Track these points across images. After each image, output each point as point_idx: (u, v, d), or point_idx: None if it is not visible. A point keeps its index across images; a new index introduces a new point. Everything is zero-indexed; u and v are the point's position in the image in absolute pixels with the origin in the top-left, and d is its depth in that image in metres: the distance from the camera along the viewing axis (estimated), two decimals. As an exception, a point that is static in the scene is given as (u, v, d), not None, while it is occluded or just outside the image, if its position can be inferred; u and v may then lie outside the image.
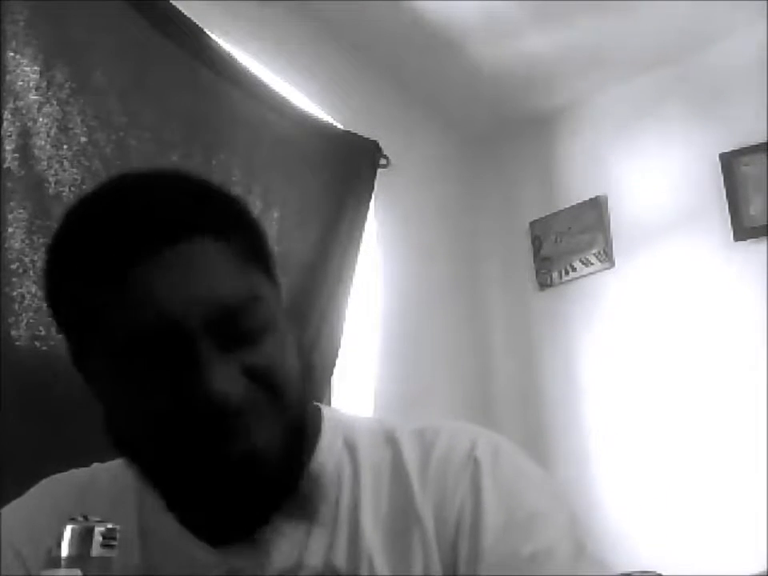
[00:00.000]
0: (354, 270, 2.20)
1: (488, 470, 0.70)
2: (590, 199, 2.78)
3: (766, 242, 2.43)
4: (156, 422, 0.62)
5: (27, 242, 1.45)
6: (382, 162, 2.42)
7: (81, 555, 0.50)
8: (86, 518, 0.51)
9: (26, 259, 1.44)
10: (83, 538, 0.50)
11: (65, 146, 1.55)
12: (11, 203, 1.44)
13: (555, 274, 2.82)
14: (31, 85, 1.52)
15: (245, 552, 0.68)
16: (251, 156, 1.97)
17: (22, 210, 1.45)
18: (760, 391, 2.32)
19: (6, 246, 1.42)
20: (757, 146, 2.47)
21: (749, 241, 2.46)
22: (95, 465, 0.79)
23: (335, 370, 2.10)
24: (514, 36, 2.55)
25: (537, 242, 2.87)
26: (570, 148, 2.89)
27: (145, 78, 1.75)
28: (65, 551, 0.50)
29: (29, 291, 1.43)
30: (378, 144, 2.41)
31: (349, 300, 2.17)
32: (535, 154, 2.97)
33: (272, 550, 0.68)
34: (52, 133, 1.53)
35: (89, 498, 0.74)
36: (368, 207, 2.33)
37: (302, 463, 0.70)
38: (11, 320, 1.40)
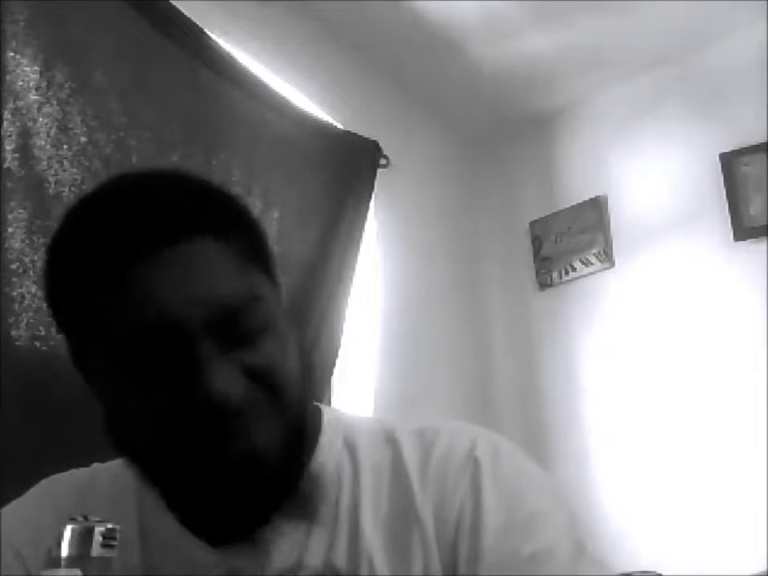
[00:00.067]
0: (353, 270, 2.20)
1: (488, 470, 0.70)
2: (590, 199, 2.78)
3: (766, 242, 2.43)
4: (156, 422, 0.62)
5: (27, 242, 1.45)
6: (382, 162, 2.42)
7: (81, 555, 0.50)
8: (85, 518, 0.52)
9: (26, 259, 1.44)
10: (83, 538, 0.50)
11: (65, 146, 1.55)
12: (11, 203, 1.44)
13: (555, 274, 2.82)
14: (31, 85, 1.52)
15: (245, 552, 0.68)
16: (251, 156, 1.97)
17: (22, 210, 1.45)
18: (760, 391, 2.32)
19: (6, 245, 1.42)
20: (757, 145, 2.47)
21: (749, 241, 2.46)
22: (95, 465, 0.79)
23: (335, 370, 2.10)
24: (514, 36, 2.55)
25: (537, 242, 2.87)
26: (570, 148, 2.89)
27: (145, 78, 1.75)
28: (65, 551, 0.50)
29: (29, 291, 1.43)
30: (377, 144, 2.41)
31: (349, 300, 2.17)
32: (535, 154, 2.97)
33: (272, 550, 0.68)
34: (52, 133, 1.53)
35: (89, 498, 0.74)
36: (368, 207, 2.33)
37: (301, 463, 0.70)
38: (11, 320, 1.40)
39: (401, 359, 2.44)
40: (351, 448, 0.74)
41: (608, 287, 2.71)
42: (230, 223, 0.67)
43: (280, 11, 2.25)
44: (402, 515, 0.70)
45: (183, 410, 0.61)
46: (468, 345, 2.83)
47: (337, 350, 2.09)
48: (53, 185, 1.51)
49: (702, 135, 2.59)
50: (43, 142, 1.51)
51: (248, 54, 2.11)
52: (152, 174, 0.71)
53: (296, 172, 2.10)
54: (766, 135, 2.43)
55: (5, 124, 1.45)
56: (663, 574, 2.04)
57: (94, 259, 0.62)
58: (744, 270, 2.45)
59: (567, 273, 2.79)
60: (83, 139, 1.58)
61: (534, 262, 2.87)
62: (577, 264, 2.77)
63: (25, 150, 1.48)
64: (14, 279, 1.42)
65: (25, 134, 1.49)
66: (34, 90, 1.52)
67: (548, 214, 2.86)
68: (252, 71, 2.05)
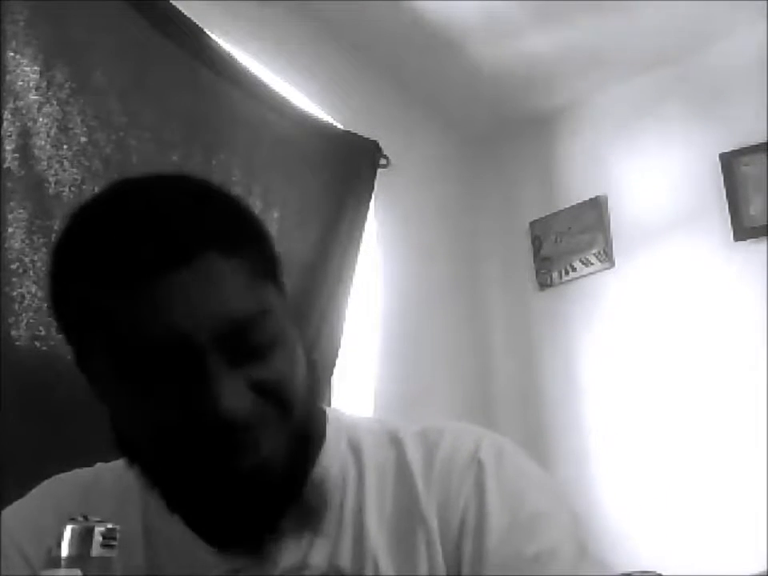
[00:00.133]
0: (353, 270, 2.20)
1: (492, 472, 0.71)
2: (590, 199, 2.78)
3: (766, 242, 2.43)
4: (162, 434, 0.62)
5: (27, 242, 1.45)
6: (382, 162, 2.42)
7: (81, 555, 0.50)
8: (86, 517, 0.52)
9: (26, 259, 1.44)
10: (83, 538, 0.50)
11: (65, 146, 1.55)
12: (11, 203, 1.44)
13: (555, 274, 2.82)
14: (31, 85, 1.52)
15: (248, 553, 0.68)
16: (251, 156, 1.97)
17: (22, 210, 1.45)
18: (760, 391, 2.32)
19: (6, 245, 1.42)
20: (757, 145, 2.47)
21: (749, 241, 2.46)
22: (99, 464, 0.79)
23: (335, 370, 2.10)
24: (514, 36, 2.55)
25: (537, 242, 2.87)
26: (570, 148, 2.89)
27: (145, 78, 1.75)
28: (65, 551, 0.50)
29: (29, 291, 1.42)
30: (377, 144, 2.41)
31: (349, 300, 2.17)
32: (535, 154, 2.97)
33: (277, 552, 0.69)
34: (52, 133, 1.53)
35: (92, 498, 0.74)
36: (368, 207, 2.33)
37: (306, 470, 0.70)
38: (11, 320, 1.40)
39: (401, 359, 2.44)
40: (355, 449, 0.74)
41: (608, 287, 2.71)
42: (241, 237, 0.66)
43: (280, 11, 2.25)
44: (407, 515, 0.70)
45: (191, 424, 0.61)
46: (468, 345, 2.83)
47: (337, 350, 2.09)
48: (53, 185, 1.51)
49: (702, 135, 2.59)
50: (43, 142, 1.51)
51: (248, 54, 2.11)
52: (164, 177, 0.70)
53: (296, 172, 2.10)
54: (766, 135, 2.43)
55: (5, 124, 1.45)
56: (663, 574, 2.04)
57: (103, 262, 0.61)
58: (744, 270, 2.45)
59: (567, 273, 2.79)
60: (83, 139, 1.58)
61: (534, 262, 2.87)
62: (577, 264, 2.77)
63: (25, 149, 1.48)
64: (14, 279, 1.42)
65: (25, 134, 1.49)
66: (33, 90, 1.52)
67: (548, 214, 2.86)
68: (252, 71, 2.05)
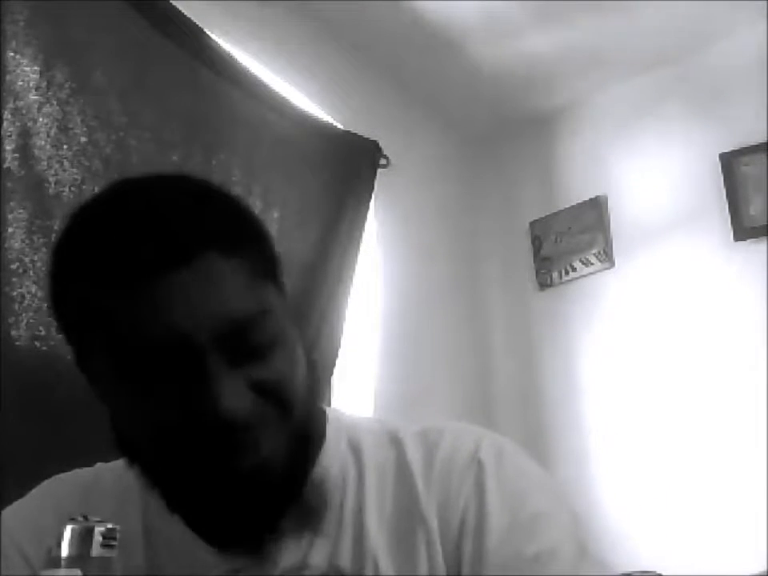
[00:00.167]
0: (353, 270, 2.20)
1: (492, 472, 0.71)
2: (590, 199, 2.78)
3: (766, 242, 2.43)
4: (162, 434, 0.63)
5: (27, 242, 1.45)
6: (382, 162, 2.42)
7: (81, 555, 0.50)
8: (85, 517, 0.51)
9: (26, 259, 1.44)
10: (83, 538, 0.50)
11: (65, 146, 1.55)
12: (11, 203, 1.44)
13: (555, 274, 2.82)
14: (31, 85, 1.52)
15: (249, 553, 0.68)
16: (251, 156, 1.97)
17: (21, 210, 1.45)
18: (760, 391, 2.32)
19: (6, 245, 1.42)
20: (757, 145, 2.47)
21: (749, 241, 2.46)
22: (99, 464, 0.79)
23: (335, 370, 2.10)
24: (514, 36, 2.55)
25: (537, 242, 2.87)
26: (570, 148, 2.89)
27: (145, 78, 1.75)
28: (65, 551, 0.50)
29: (29, 291, 1.42)
30: (377, 144, 2.41)
31: (349, 300, 2.17)
32: (535, 154, 2.97)
33: (277, 552, 0.69)
34: (52, 133, 1.53)
35: (93, 498, 0.74)
36: (368, 207, 2.33)
37: (307, 469, 0.70)
38: (11, 320, 1.40)
39: (401, 359, 2.44)
40: (356, 449, 0.74)
41: (608, 287, 2.71)
42: (241, 237, 0.66)
43: (280, 11, 2.25)
44: (407, 515, 0.70)
45: (191, 424, 0.61)
46: (468, 345, 2.83)
47: (337, 350, 2.09)
48: (53, 185, 1.51)
49: (702, 135, 2.59)
50: (43, 142, 1.51)
51: (248, 54, 2.11)
52: (164, 177, 0.70)
53: (296, 172, 2.10)
54: (766, 135, 2.43)
55: (5, 124, 1.45)
56: (663, 574, 2.04)
57: (103, 262, 0.61)
58: (744, 270, 2.45)
59: (567, 273, 2.79)
60: (83, 139, 1.58)
61: (534, 262, 2.87)
62: (577, 264, 2.77)
63: (25, 149, 1.48)
64: (13, 279, 1.42)
65: (25, 134, 1.49)
66: (34, 90, 1.52)
67: (548, 213, 2.86)
68: (252, 71, 2.05)
